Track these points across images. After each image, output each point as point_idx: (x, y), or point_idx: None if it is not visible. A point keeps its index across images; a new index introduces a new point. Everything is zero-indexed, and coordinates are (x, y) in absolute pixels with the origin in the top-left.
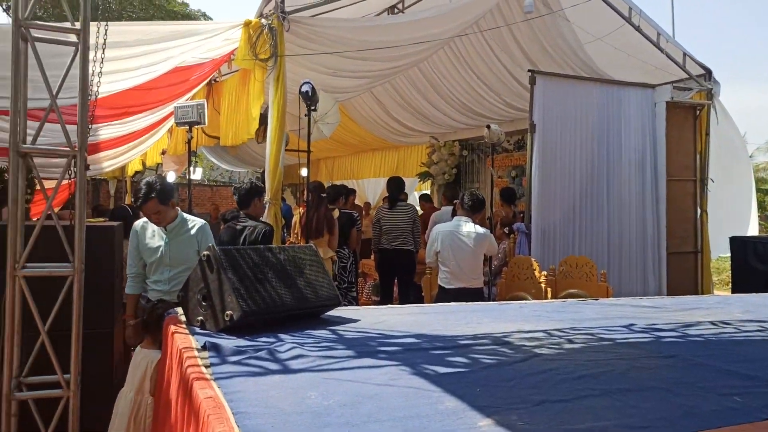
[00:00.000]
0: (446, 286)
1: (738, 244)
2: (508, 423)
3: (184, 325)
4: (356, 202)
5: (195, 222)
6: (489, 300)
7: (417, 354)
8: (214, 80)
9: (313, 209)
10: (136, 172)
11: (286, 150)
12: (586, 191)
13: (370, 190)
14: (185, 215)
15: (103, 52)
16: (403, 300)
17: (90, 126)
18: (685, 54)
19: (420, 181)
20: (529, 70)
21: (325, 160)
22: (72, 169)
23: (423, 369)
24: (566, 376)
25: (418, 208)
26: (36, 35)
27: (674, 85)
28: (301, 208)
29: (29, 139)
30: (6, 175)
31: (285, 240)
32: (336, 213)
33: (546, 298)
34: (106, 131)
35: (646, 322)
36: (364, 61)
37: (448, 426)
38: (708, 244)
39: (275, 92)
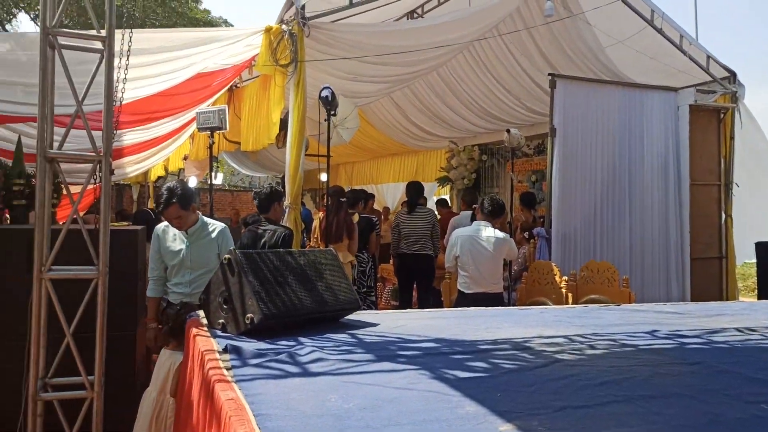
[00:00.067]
0: (466, 291)
1: (764, 249)
2: (529, 428)
3: (205, 328)
4: (375, 206)
5: (215, 225)
6: (509, 305)
7: (436, 358)
8: (235, 86)
9: (332, 214)
10: (159, 177)
11: (305, 155)
12: (607, 196)
13: (390, 194)
14: (206, 219)
15: (128, 59)
16: (423, 305)
17: (114, 132)
18: (708, 56)
19: (439, 185)
20: (549, 74)
21: (345, 165)
22: (97, 174)
23: (443, 373)
24: (588, 382)
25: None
26: (63, 42)
27: (698, 88)
28: (321, 213)
29: (56, 145)
30: (33, 180)
31: (305, 244)
32: (356, 217)
33: (567, 303)
34: (129, 137)
35: (670, 329)
36: (384, 66)
37: (468, 430)
38: (733, 249)
39: (295, 97)
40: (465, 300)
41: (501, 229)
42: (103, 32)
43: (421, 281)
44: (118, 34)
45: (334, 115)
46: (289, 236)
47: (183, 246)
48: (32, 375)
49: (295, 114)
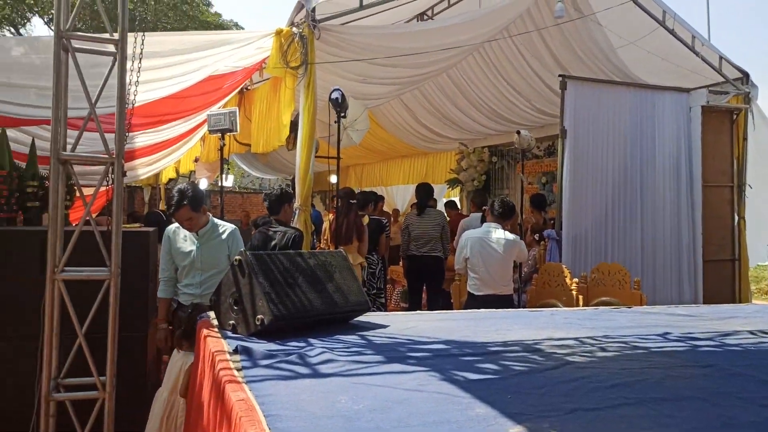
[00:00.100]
0: (475, 293)
1: None
2: (540, 430)
3: (216, 329)
4: (384, 208)
5: (226, 227)
6: (519, 307)
7: (446, 360)
8: (246, 88)
9: (342, 215)
10: (170, 180)
11: (315, 157)
12: (618, 197)
13: (399, 196)
14: (216, 220)
15: (140, 62)
16: (432, 307)
17: (127, 134)
18: (721, 57)
19: (449, 187)
20: (559, 75)
21: (354, 167)
22: (109, 176)
23: (452, 375)
24: (599, 384)
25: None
26: (76, 46)
27: (710, 88)
28: (330, 215)
29: (69, 147)
30: (47, 182)
31: (315, 246)
32: (366, 219)
33: (577, 305)
34: (141, 139)
35: (682, 331)
36: (394, 68)
37: None
38: (746, 251)
39: (306, 99)
40: (475, 302)
41: (511, 231)
42: (116, 35)
43: (431, 283)
44: (130, 37)
45: (344, 116)
46: (299, 238)
47: (193, 247)
48: (45, 375)
49: (305, 116)
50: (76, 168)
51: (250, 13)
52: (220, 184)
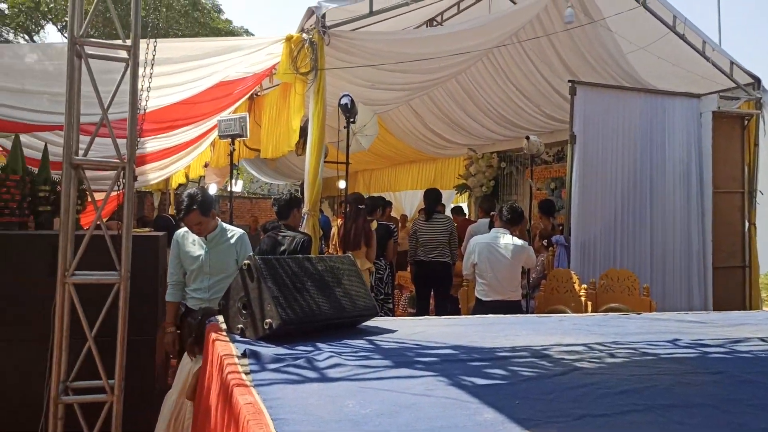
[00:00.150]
0: (483, 299)
1: None
2: None
3: (224, 333)
4: (392, 214)
5: (234, 232)
6: (527, 313)
7: (454, 365)
8: (256, 94)
9: (351, 221)
10: (180, 185)
11: (324, 162)
12: (628, 203)
13: (407, 202)
14: (225, 225)
15: (152, 68)
16: (440, 312)
17: (138, 139)
18: (732, 62)
19: (457, 193)
20: (569, 81)
21: (363, 172)
22: (121, 180)
23: (460, 380)
24: (608, 390)
25: None
26: (89, 52)
27: (721, 94)
28: (339, 220)
29: (81, 152)
30: (59, 186)
31: (323, 251)
32: (374, 225)
33: (586, 311)
34: (152, 144)
35: (692, 338)
36: (403, 74)
37: None
38: (757, 258)
39: (315, 105)
40: (483, 308)
41: (520, 237)
42: (129, 42)
43: (439, 289)
44: (142, 43)
45: (354, 122)
46: (308, 243)
47: (202, 252)
48: (54, 378)
49: (314, 121)
50: (88, 173)
51: (260, 21)
52: (229, 189)
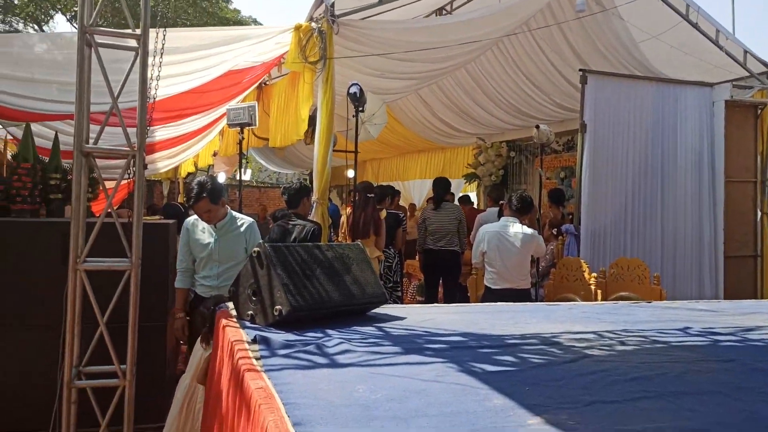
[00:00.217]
0: (492, 287)
1: None
2: (558, 422)
3: (234, 319)
4: (401, 203)
5: (244, 220)
6: (536, 301)
7: (464, 352)
8: (264, 83)
9: (360, 209)
10: (189, 174)
11: (333, 150)
12: (638, 192)
13: (416, 191)
14: (234, 213)
15: (161, 57)
16: (449, 301)
17: (147, 128)
18: (745, 51)
19: (466, 182)
20: (580, 69)
21: (371, 161)
22: (131, 168)
23: (470, 367)
24: (618, 377)
25: None
26: (99, 41)
27: (734, 83)
28: (348, 208)
29: (91, 141)
30: (69, 174)
31: (332, 240)
32: (383, 213)
33: (596, 300)
34: (161, 133)
35: (703, 326)
36: (412, 63)
37: (496, 423)
38: None
39: (324, 94)
40: (492, 296)
41: (530, 226)
42: (138, 31)
43: (447, 277)
44: (152, 32)
45: (362, 111)
46: (318, 231)
47: (211, 239)
48: (67, 363)
49: (323, 110)
50: (98, 162)
51: (268, 11)
52: (238, 178)
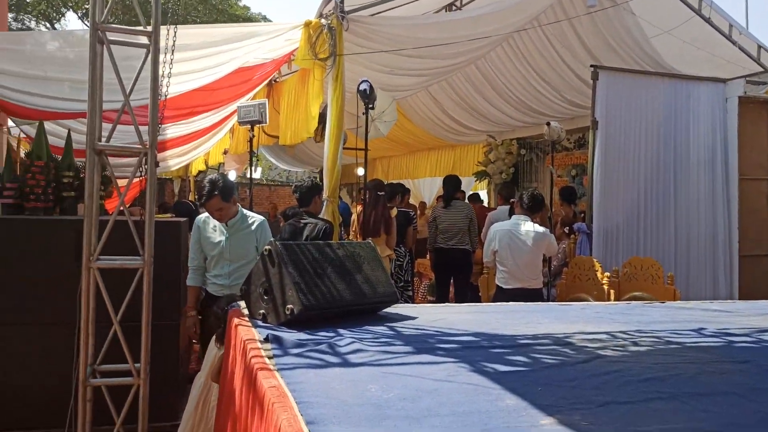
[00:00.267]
0: (504, 286)
1: None
2: (572, 422)
3: (246, 318)
4: (411, 201)
5: (255, 218)
6: (548, 301)
7: (476, 352)
8: (274, 80)
9: (370, 207)
10: (200, 172)
11: (343, 148)
12: (651, 190)
13: (426, 189)
14: (245, 212)
15: (173, 54)
16: (460, 300)
17: (159, 125)
18: (759, 46)
19: (476, 180)
20: (591, 65)
21: (381, 159)
22: (143, 166)
23: (482, 366)
24: (631, 378)
25: None
26: (111, 38)
27: (747, 79)
28: (359, 207)
29: (103, 139)
30: (82, 172)
31: (343, 238)
32: (394, 212)
33: (609, 300)
34: (172, 130)
35: (718, 326)
36: (422, 59)
37: (509, 423)
38: None
39: (334, 91)
40: (503, 295)
41: (541, 224)
42: (150, 28)
43: (458, 276)
44: (163, 30)
45: (372, 108)
46: (329, 230)
47: (222, 238)
48: (82, 361)
49: (333, 107)
50: (110, 161)
51: (278, 7)
52: (249, 176)
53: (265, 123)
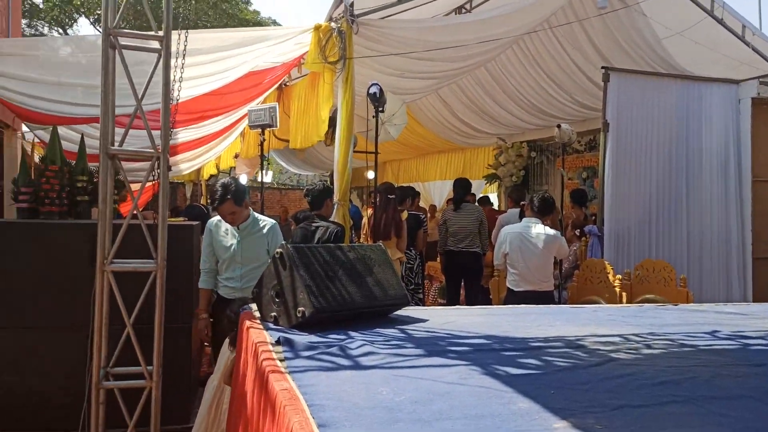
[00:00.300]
0: (515, 289)
1: None
2: (585, 426)
3: (258, 321)
4: (421, 204)
5: (266, 222)
6: (559, 303)
7: (487, 354)
8: (284, 84)
9: (381, 210)
10: (211, 176)
11: (353, 152)
12: (663, 193)
13: (436, 192)
14: (257, 215)
15: (183, 58)
16: (470, 303)
17: (171, 130)
18: None
19: (487, 183)
20: (602, 67)
21: (391, 162)
22: (155, 170)
23: (494, 369)
24: (645, 381)
25: None
26: (123, 43)
27: (761, 80)
28: (369, 210)
29: (116, 144)
30: (96, 176)
31: (353, 241)
32: (404, 215)
33: (621, 302)
34: (183, 135)
35: (732, 329)
36: (432, 62)
37: (522, 426)
38: None
39: (344, 94)
40: (514, 298)
41: (552, 227)
42: (161, 32)
43: (469, 279)
44: (174, 35)
45: (382, 111)
46: (341, 233)
47: (234, 241)
48: (95, 364)
49: (343, 111)
50: (123, 165)
51: (287, 10)
52: (260, 180)
53: (276, 127)
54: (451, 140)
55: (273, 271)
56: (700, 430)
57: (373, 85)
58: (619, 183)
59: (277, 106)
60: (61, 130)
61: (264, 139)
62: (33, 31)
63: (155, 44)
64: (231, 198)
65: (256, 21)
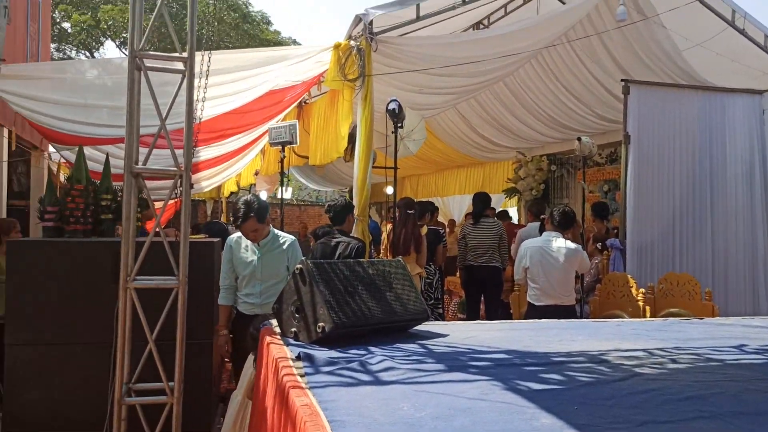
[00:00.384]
0: (536, 303)
1: None
2: None
3: (278, 336)
4: (440, 219)
5: (286, 238)
6: (581, 318)
7: (509, 369)
8: (304, 102)
9: (400, 226)
10: (232, 193)
11: (373, 167)
12: (686, 205)
13: (456, 207)
14: (277, 231)
15: (207, 79)
16: (491, 318)
17: (194, 148)
18: None
19: (506, 197)
20: (622, 80)
21: (410, 177)
22: (178, 188)
23: (516, 385)
24: (671, 396)
25: None
26: (148, 65)
27: None
28: (388, 225)
29: (140, 162)
30: (120, 195)
31: (373, 257)
32: (424, 230)
33: (644, 317)
34: (205, 153)
35: (760, 343)
36: (450, 78)
37: None
38: None
39: (363, 111)
40: (535, 312)
41: (573, 241)
42: (185, 54)
43: (489, 294)
44: (197, 56)
45: (401, 127)
46: (362, 249)
47: (255, 257)
48: (118, 380)
49: (363, 127)
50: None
51: (308, 30)
52: (280, 197)
53: (296, 144)
54: (470, 154)
55: (293, 286)
56: None
57: (392, 101)
58: (641, 195)
59: (297, 124)
60: (87, 151)
61: (284, 156)
62: (61, 55)
63: (179, 65)
64: (254, 215)
65: (276, 41)
